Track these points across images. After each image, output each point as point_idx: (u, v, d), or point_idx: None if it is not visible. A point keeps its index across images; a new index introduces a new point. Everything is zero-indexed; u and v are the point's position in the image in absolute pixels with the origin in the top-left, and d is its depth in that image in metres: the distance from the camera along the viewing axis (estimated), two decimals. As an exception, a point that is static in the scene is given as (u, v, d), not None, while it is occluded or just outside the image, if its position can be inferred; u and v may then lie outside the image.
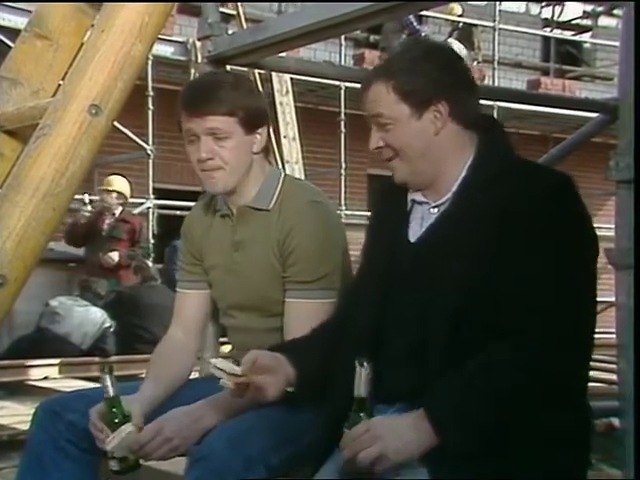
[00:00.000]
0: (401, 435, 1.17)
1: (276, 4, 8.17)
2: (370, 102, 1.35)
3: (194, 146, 1.58)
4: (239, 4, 6.42)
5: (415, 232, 1.36)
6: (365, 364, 1.20)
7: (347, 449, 1.17)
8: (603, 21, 10.36)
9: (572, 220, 1.24)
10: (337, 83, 7.09)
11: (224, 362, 1.32)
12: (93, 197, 5.84)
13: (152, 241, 6.74)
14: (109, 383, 1.45)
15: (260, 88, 5.91)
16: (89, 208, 5.67)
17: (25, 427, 1.75)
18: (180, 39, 6.95)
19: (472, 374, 1.19)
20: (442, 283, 1.26)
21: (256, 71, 5.69)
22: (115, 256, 5.55)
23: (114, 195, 5.72)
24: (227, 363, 1.31)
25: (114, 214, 5.75)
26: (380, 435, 1.16)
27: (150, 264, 5.65)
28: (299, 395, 1.35)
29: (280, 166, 6.22)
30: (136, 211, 6.63)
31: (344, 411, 1.25)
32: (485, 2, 9.08)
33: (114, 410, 1.45)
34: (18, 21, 5.59)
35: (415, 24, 7.99)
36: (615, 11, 9.53)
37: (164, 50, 6.69)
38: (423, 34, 8.10)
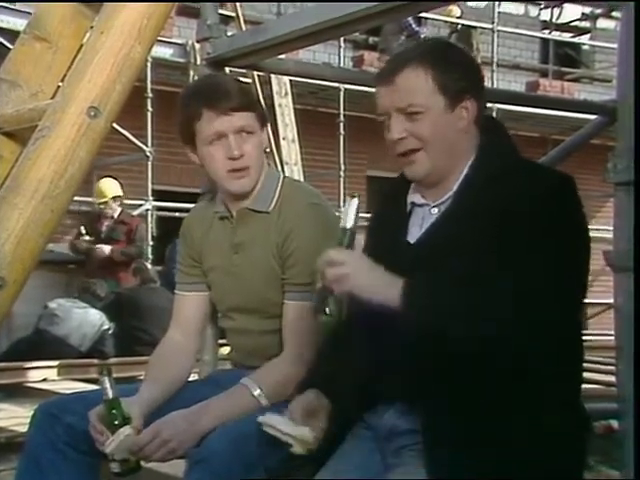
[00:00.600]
0: (370, 273, 1.22)
1: (275, 6, 8.17)
2: (402, 89, 1.31)
3: (218, 146, 1.57)
4: (238, 6, 6.42)
5: (415, 233, 1.36)
6: (357, 195, 1.26)
7: (319, 265, 1.23)
8: (602, 23, 10.36)
9: (571, 221, 1.25)
10: (336, 85, 7.09)
11: (280, 421, 1.29)
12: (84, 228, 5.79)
13: (151, 243, 6.74)
14: (108, 385, 1.45)
15: (259, 90, 5.93)
16: (87, 238, 5.65)
17: (23, 429, 1.75)
18: (179, 41, 6.95)
19: (461, 290, 1.21)
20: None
21: (255, 73, 5.70)
22: (106, 249, 5.54)
23: (111, 202, 5.71)
24: (284, 422, 1.29)
25: (113, 217, 5.75)
26: (352, 263, 1.22)
27: (149, 266, 5.65)
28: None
29: (279, 168, 6.22)
30: (135, 213, 6.62)
31: (351, 411, 1.26)
32: (484, 3, 9.08)
33: (114, 412, 1.45)
34: (17, 23, 5.59)
35: (414, 26, 7.99)
36: (613, 13, 9.54)
37: (163, 52, 6.69)
38: (422, 36, 8.10)
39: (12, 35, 4.77)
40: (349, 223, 1.25)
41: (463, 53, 1.38)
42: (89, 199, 6.55)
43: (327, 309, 1.23)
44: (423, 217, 1.36)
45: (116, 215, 5.76)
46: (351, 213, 1.25)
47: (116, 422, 1.45)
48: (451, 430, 1.21)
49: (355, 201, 1.25)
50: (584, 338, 1.31)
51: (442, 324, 1.19)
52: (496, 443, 1.19)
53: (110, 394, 1.45)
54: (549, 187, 1.25)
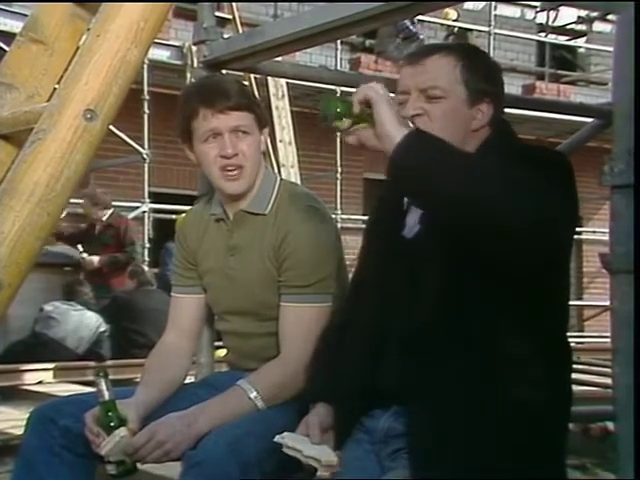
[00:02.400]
0: (395, 111, 1.22)
1: (272, 8, 8.17)
2: (429, 71, 1.34)
3: (213, 144, 1.58)
4: (235, 8, 6.43)
5: (413, 229, 1.37)
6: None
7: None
8: (597, 26, 10.39)
9: (562, 184, 1.25)
10: (333, 87, 7.10)
11: (300, 440, 1.28)
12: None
13: (147, 245, 6.73)
14: (104, 387, 1.45)
15: (256, 92, 5.93)
16: (85, 256, 5.54)
17: (19, 432, 1.74)
18: (176, 43, 6.95)
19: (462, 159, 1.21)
20: (440, 278, 1.27)
21: (252, 75, 5.70)
22: (95, 260, 5.48)
23: (89, 209, 5.60)
24: (304, 442, 1.28)
25: (102, 220, 5.66)
26: (387, 96, 1.22)
27: (146, 268, 5.64)
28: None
29: (276, 170, 6.22)
30: (132, 215, 6.61)
31: (356, 410, 1.26)
32: (481, 4, 9.10)
33: (110, 414, 1.45)
34: (14, 25, 5.59)
35: (411, 27, 8.00)
36: (609, 16, 9.56)
37: (160, 54, 6.69)
38: (421, 37, 8.11)
39: (8, 37, 4.77)
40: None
41: (491, 60, 1.44)
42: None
43: (338, 108, 1.24)
44: (420, 212, 1.37)
45: (104, 219, 5.65)
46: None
47: (112, 424, 1.44)
48: (434, 429, 1.21)
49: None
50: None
51: (438, 166, 1.18)
52: (477, 441, 1.20)
53: (106, 396, 1.45)
54: (543, 154, 1.30)
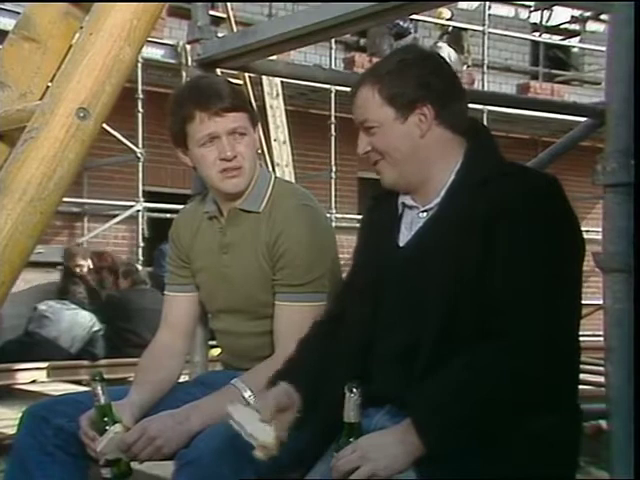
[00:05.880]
0: (389, 452, 1.18)
1: (266, 8, 8.17)
2: (357, 107, 1.36)
3: (211, 147, 1.57)
4: (229, 7, 6.42)
5: (404, 236, 1.37)
6: (354, 390, 1.19)
7: (336, 472, 1.17)
8: (591, 26, 10.42)
9: (559, 220, 1.26)
10: (327, 87, 7.10)
11: (247, 417, 1.24)
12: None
13: (142, 244, 6.71)
14: (100, 391, 1.44)
15: (250, 91, 5.93)
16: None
17: (12, 431, 1.73)
18: (170, 42, 6.93)
19: (455, 379, 1.20)
20: (430, 286, 1.27)
21: (246, 74, 5.70)
22: None
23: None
24: (251, 419, 1.24)
25: (89, 268, 5.43)
26: (368, 455, 1.17)
27: (140, 267, 5.63)
28: (304, 417, 1.34)
29: (270, 169, 6.22)
30: (126, 214, 6.59)
31: (338, 413, 1.26)
32: (475, 4, 9.11)
33: (105, 419, 1.44)
34: (7, 23, 5.56)
35: (401, 23, 8.00)
36: (602, 16, 9.58)
37: (154, 53, 6.67)
38: (416, 35, 8.12)
39: (1, 35, 4.74)
40: (353, 417, 1.20)
41: (421, 61, 1.35)
42: (79, 200, 6.51)
43: None
44: (412, 220, 1.37)
45: (87, 269, 5.34)
46: (353, 406, 1.20)
47: (107, 428, 1.44)
48: (442, 430, 1.21)
49: (354, 395, 1.20)
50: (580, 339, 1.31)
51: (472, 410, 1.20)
52: (485, 443, 1.20)
53: (102, 400, 1.44)
54: (533, 188, 1.27)
